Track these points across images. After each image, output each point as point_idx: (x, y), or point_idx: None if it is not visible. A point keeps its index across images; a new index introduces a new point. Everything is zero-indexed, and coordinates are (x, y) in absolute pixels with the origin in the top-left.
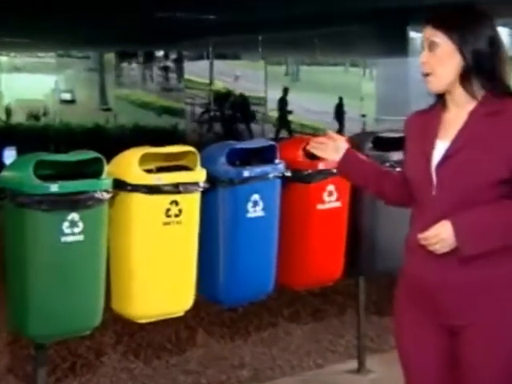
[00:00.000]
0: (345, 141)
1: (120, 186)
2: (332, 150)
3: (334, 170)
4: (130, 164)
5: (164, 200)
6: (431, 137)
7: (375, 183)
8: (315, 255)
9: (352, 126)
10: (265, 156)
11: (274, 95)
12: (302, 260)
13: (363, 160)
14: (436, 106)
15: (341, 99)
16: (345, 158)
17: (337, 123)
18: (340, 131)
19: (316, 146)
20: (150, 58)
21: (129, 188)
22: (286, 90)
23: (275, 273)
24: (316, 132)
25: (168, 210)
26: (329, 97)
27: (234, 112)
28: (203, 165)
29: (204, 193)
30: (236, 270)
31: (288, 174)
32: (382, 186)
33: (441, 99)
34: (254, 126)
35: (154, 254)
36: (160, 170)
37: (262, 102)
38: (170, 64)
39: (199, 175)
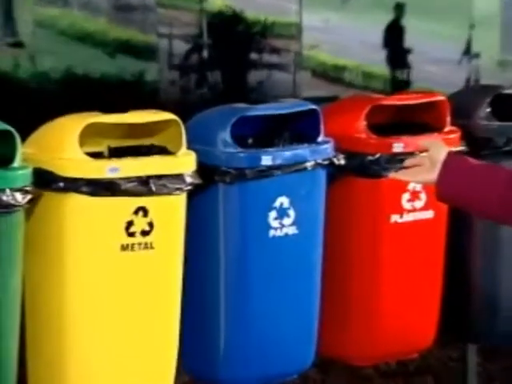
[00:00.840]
0: (441, 144)
1: (45, 181)
2: (428, 168)
3: (422, 154)
4: (62, 143)
5: (124, 206)
6: None
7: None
8: (388, 307)
9: (451, 75)
10: (300, 130)
11: (315, 20)
12: (366, 314)
13: (478, 166)
14: None
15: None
16: (445, 169)
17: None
18: (400, 84)
19: (407, 172)
20: None
21: (61, 185)
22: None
23: (317, 338)
24: (392, 87)
25: (130, 223)
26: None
27: (243, 50)
28: (192, 145)
29: (193, 194)
30: (246, 332)
31: (341, 161)
32: None
33: None
34: (279, 76)
35: (104, 303)
36: (116, 152)
37: (294, 32)
38: None
39: (185, 163)
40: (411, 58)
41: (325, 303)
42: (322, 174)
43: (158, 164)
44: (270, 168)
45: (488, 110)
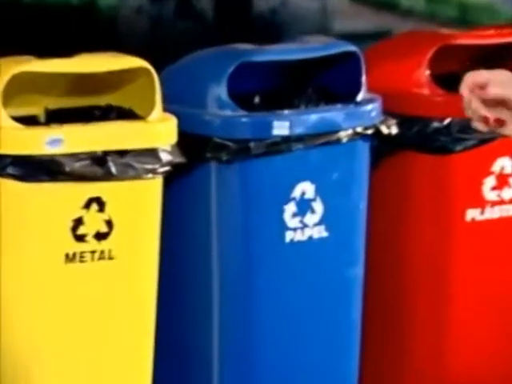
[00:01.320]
0: None
1: None
2: None
3: None
4: None
5: (69, 197)
6: None
7: None
8: (462, 339)
9: None
10: (331, 83)
11: None
12: (432, 351)
13: None
14: None
15: None
16: None
17: None
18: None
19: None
20: None
21: None
22: None
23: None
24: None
25: (78, 222)
26: None
27: None
28: (170, 106)
29: (172, 179)
30: (250, 375)
31: (392, 129)
32: None
33: None
34: (300, 1)
35: (41, 331)
36: (57, 116)
37: None
38: None
39: (159, 133)
40: None
41: (369, 336)
42: (364, 149)
43: (120, 134)
44: (287, 140)
45: None
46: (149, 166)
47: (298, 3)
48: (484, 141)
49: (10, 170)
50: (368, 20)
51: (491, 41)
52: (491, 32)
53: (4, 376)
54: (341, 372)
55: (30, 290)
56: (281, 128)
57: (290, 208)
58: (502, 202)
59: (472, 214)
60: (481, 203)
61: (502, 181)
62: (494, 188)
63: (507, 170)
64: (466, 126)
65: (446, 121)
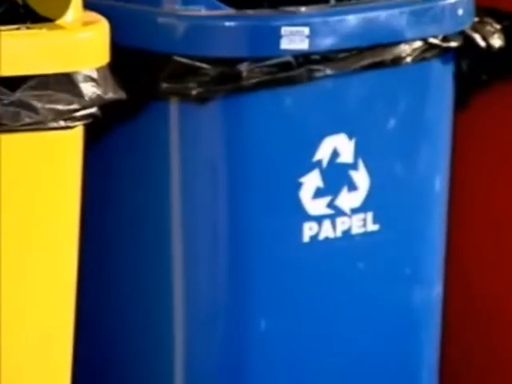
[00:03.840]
0: None
1: None
2: None
3: None
4: None
5: None
6: None
7: None
8: None
9: None
10: None
11: None
12: None
13: None
14: None
15: None
16: None
17: None
18: None
19: None
20: None
21: None
22: None
23: None
24: None
25: None
26: None
27: None
28: (96, 1)
29: (99, 128)
30: None
31: (495, 39)
32: None
33: None
34: None
35: None
36: None
37: None
38: None
39: (77, 45)
40: None
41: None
42: (444, 76)
43: (10, 49)
44: (306, 60)
45: None
46: (60, 107)
47: None
48: None
49: None
50: None
51: None
52: None
53: None
54: None
55: None
56: (295, 38)
57: (312, 181)
58: None
59: None
60: None
61: None
62: None
63: None
64: None
65: None
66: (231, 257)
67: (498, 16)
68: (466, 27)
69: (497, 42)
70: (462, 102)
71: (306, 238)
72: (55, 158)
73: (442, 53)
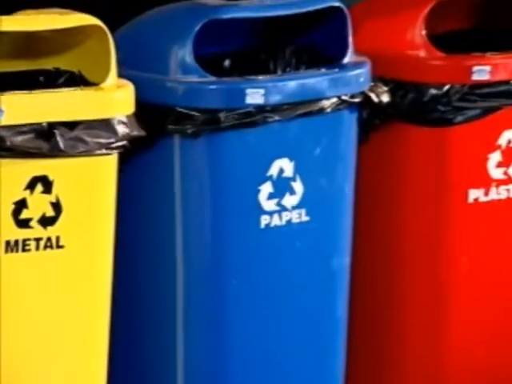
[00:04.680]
0: None
1: None
2: None
3: None
4: None
5: (10, 176)
6: None
7: None
8: (462, 340)
9: None
10: (312, 44)
11: None
12: (429, 352)
13: None
14: None
15: None
16: None
17: None
18: None
19: None
20: None
21: None
22: None
23: None
24: None
25: (20, 205)
26: None
27: None
28: (126, 71)
29: (130, 154)
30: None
31: (383, 96)
32: None
33: None
34: None
35: None
36: None
37: None
38: None
39: (114, 101)
40: None
41: (355, 335)
42: (351, 121)
43: (69, 103)
44: (262, 110)
45: None
46: (102, 141)
47: None
48: (488, 111)
49: None
50: None
51: None
52: None
53: None
54: (324, 373)
55: None
56: (254, 96)
57: (266, 188)
58: (509, 181)
59: (475, 194)
60: (485, 182)
61: (508, 156)
62: (499, 165)
63: None
64: (467, 93)
65: (445, 87)
66: (215, 240)
67: (385, 81)
68: (366, 89)
69: (385, 98)
70: (363, 137)
71: (262, 226)
72: (100, 175)
73: (350, 106)
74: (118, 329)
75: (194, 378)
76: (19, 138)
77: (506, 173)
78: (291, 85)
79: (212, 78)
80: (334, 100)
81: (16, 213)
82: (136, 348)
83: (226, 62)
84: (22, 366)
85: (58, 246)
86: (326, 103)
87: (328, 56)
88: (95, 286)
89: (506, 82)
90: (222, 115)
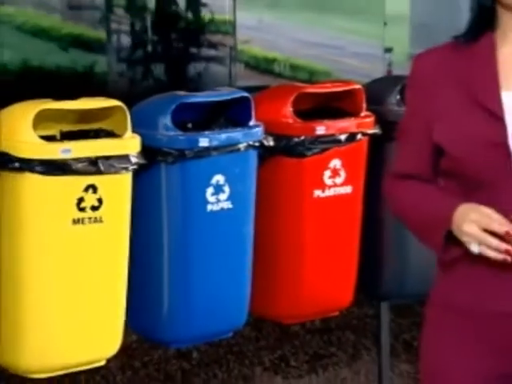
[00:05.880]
0: None
1: (2, 161)
2: None
3: (342, 137)
4: (18, 127)
5: (75, 184)
6: (489, 86)
7: None
8: (312, 271)
9: (370, 67)
10: (233, 115)
11: (247, 18)
12: (292, 278)
13: None
14: (478, 37)
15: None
16: None
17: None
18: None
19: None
20: None
21: (17, 165)
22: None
23: (249, 298)
24: (315, 78)
25: (81, 199)
26: (333, 19)
27: (185, 45)
28: (136, 129)
29: (138, 173)
30: (187, 295)
31: (270, 142)
32: None
33: (485, 26)
34: (215, 68)
35: (58, 271)
36: (68, 136)
37: (229, 28)
38: None
39: (130, 145)
40: (334, 52)
41: (256, 269)
42: (253, 155)
43: (106, 146)
44: (207, 149)
45: (398, 97)
46: (123, 166)
47: (214, 69)
48: (324, 150)
49: (37, 168)
50: (256, 79)
51: (328, 90)
52: (327, 85)
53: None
54: (240, 285)
55: (50, 242)
56: (204, 142)
57: (210, 190)
58: (335, 185)
59: (317, 193)
60: (322, 186)
61: (334, 173)
62: (330, 177)
63: (337, 166)
64: (313, 141)
65: (302, 137)
66: (185, 218)
67: (271, 134)
68: (261, 138)
69: (271, 143)
70: (260, 164)
71: (208, 210)
72: (122, 185)
73: (253, 147)
74: (133, 267)
75: (174, 291)
76: (79, 165)
77: (333, 181)
78: (223, 136)
79: (181, 133)
80: (245, 144)
81: (78, 203)
82: (141, 275)
83: (189, 125)
84: (78, 294)
85: (101, 221)
86: (241, 146)
87: (241, 121)
88: (121, 243)
89: (333, 135)
90: (187, 152)
